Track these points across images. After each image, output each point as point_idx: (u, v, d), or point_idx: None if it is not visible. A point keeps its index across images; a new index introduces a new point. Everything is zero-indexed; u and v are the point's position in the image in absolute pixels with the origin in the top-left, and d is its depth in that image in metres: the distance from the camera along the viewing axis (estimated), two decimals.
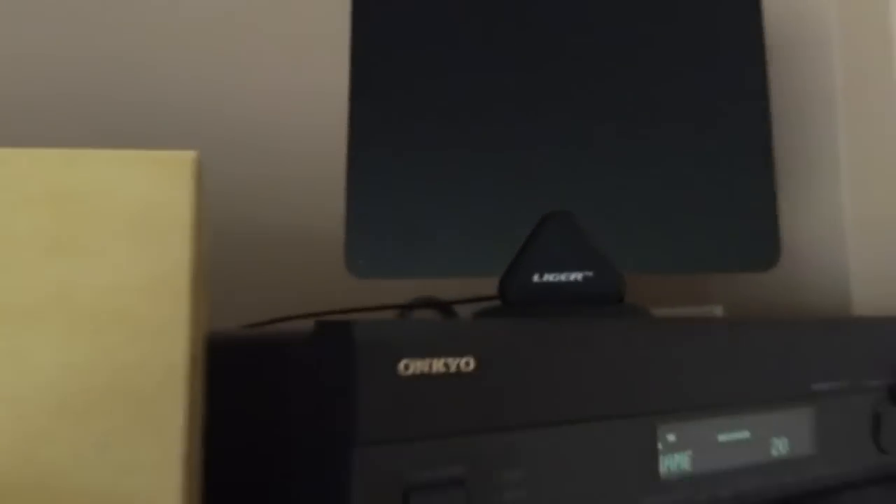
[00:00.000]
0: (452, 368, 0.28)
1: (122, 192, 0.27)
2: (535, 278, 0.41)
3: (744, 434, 0.39)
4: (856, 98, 0.60)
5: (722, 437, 0.38)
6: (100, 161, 0.27)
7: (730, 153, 0.42)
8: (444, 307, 0.58)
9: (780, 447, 0.40)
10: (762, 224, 0.41)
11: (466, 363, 0.29)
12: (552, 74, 0.43)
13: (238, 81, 0.65)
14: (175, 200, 0.27)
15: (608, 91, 0.42)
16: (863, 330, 0.45)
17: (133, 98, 0.60)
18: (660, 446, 0.35)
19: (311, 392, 0.28)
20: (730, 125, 0.43)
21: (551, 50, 0.44)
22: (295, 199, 0.65)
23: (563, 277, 0.40)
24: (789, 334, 0.41)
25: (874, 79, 0.59)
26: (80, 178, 0.27)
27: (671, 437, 0.36)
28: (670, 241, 0.41)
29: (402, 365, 0.27)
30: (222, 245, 0.62)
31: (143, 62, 0.62)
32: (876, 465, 0.44)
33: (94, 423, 0.25)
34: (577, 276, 0.40)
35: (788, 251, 0.63)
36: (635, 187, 0.41)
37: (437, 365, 0.28)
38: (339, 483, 0.27)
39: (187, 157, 0.28)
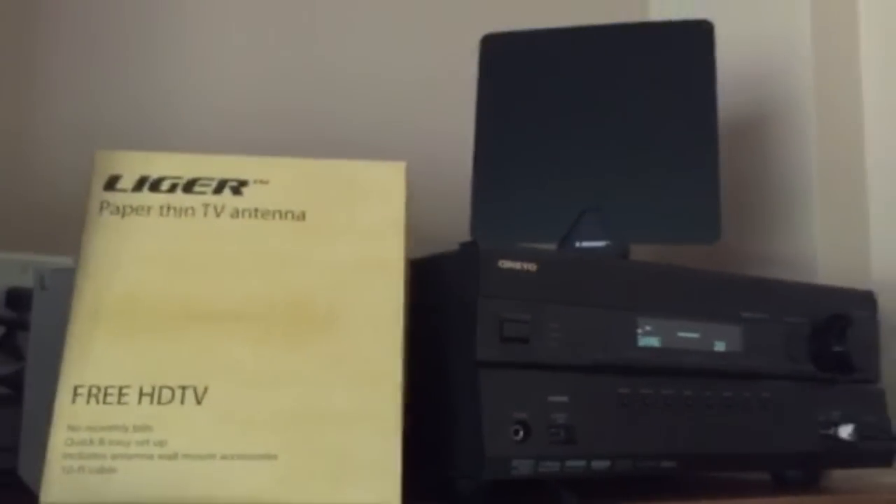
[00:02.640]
0: (525, 268, 0.59)
1: (378, 178, 0.59)
2: (577, 244, 0.71)
3: (695, 334, 0.68)
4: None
5: (680, 334, 0.67)
6: (370, 166, 0.59)
7: (685, 162, 0.73)
8: None
9: (719, 346, 0.69)
10: (708, 209, 0.71)
11: (532, 266, 0.59)
12: (588, 126, 0.74)
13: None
14: (396, 183, 0.59)
15: (612, 131, 0.73)
16: (783, 288, 0.73)
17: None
18: (639, 330, 0.65)
19: (456, 277, 0.59)
20: (684, 138, 0.73)
21: (587, 110, 0.75)
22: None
23: (593, 244, 0.71)
24: (730, 281, 0.70)
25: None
26: (356, 173, 0.59)
27: (648, 327, 0.65)
28: (647, 219, 0.71)
29: (500, 262, 0.58)
30: None
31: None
32: (788, 368, 0.72)
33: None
34: (600, 243, 0.71)
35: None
36: (628, 187, 0.72)
37: (517, 265, 0.59)
38: (470, 317, 0.57)
39: (401, 165, 0.60)
